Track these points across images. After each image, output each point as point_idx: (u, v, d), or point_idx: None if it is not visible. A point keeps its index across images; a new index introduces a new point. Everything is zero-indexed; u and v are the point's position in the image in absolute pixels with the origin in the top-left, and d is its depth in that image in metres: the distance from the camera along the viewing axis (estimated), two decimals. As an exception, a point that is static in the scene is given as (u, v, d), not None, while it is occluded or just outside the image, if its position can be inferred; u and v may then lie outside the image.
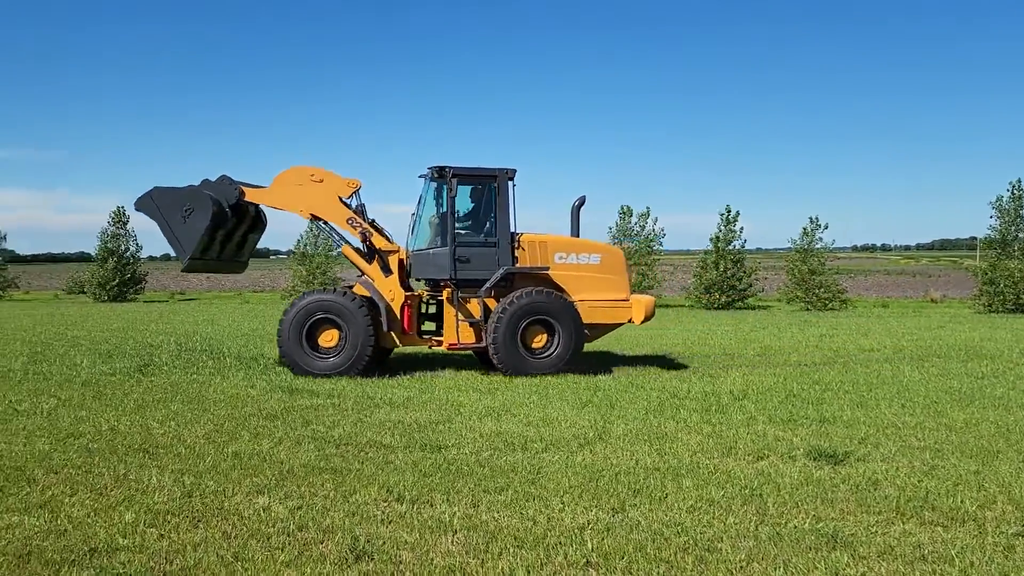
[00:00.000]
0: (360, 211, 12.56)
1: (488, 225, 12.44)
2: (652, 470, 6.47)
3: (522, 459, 6.80)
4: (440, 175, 12.16)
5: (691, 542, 4.84)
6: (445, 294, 12.22)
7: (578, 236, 13.01)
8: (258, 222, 13.58)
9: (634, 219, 35.66)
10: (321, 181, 12.51)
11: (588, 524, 5.14)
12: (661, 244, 35.86)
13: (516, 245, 12.30)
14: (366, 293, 12.07)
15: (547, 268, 12.28)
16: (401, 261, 12.50)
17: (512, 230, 12.29)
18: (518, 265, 12.23)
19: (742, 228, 34.35)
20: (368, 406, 9.23)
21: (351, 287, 12.58)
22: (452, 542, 4.80)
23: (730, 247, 34.25)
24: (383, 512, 5.34)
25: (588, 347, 12.72)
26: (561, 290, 12.24)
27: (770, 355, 15.05)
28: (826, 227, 35.05)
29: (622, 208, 35.84)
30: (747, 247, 35.59)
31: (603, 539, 4.87)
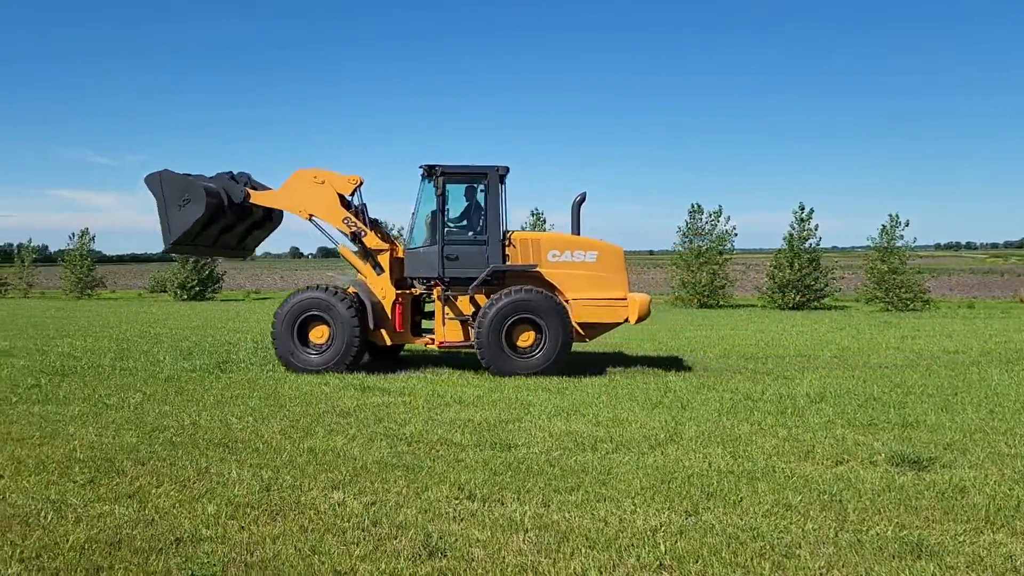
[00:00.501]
0: (361, 209, 12.74)
1: (478, 223, 12.38)
2: (726, 473, 6.36)
3: (592, 459, 6.76)
4: (430, 173, 12.20)
5: (768, 547, 4.74)
6: (436, 292, 12.33)
7: (578, 233, 12.78)
8: (267, 221, 13.89)
9: (705, 217, 35.10)
10: (323, 183, 12.70)
11: (661, 526, 5.08)
12: (733, 243, 35.18)
13: (507, 243, 12.24)
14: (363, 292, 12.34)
15: (535, 266, 12.14)
16: (400, 260, 12.62)
17: (503, 228, 12.23)
18: (509, 263, 12.15)
19: (817, 226, 33.48)
20: (438, 404, 9.32)
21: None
22: (524, 541, 4.80)
23: (805, 245, 33.38)
24: (455, 509, 5.38)
25: (654, 347, 12.63)
26: (554, 288, 12.12)
27: (848, 357, 14.62)
28: (907, 224, 33.86)
29: (692, 206, 35.34)
30: (822, 245, 34.63)
31: (676, 542, 4.80)
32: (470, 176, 12.39)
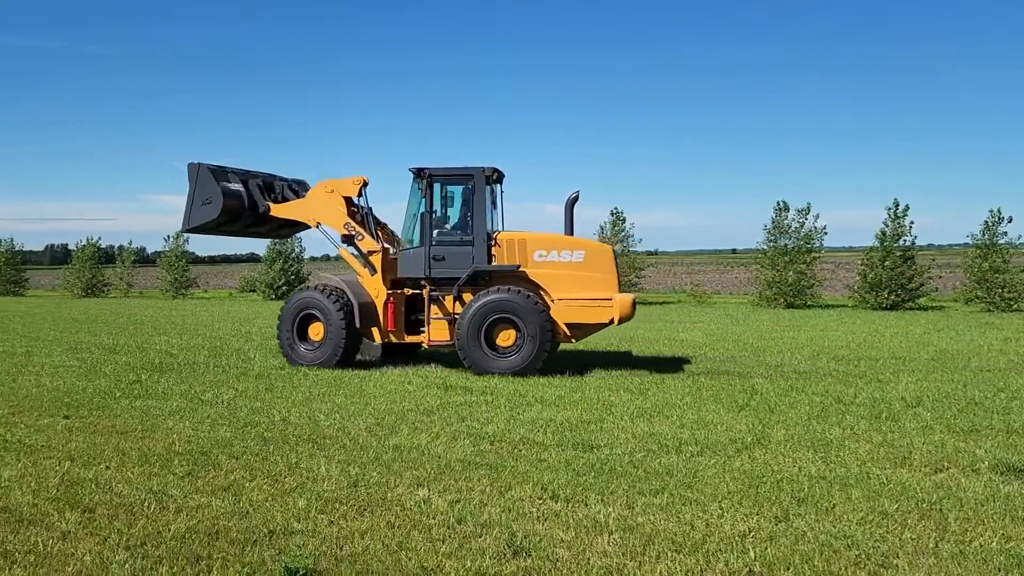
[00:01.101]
0: (367, 210, 13.17)
1: (465, 224, 12.49)
2: (817, 479, 6.16)
3: (677, 462, 6.66)
4: (419, 175, 12.41)
5: (863, 556, 4.57)
6: (424, 292, 12.52)
7: (571, 232, 12.70)
8: (296, 224, 14.35)
9: (791, 215, 34.09)
10: (331, 191, 13.26)
11: (750, 532, 4.96)
12: (822, 241, 34.05)
13: (493, 243, 12.24)
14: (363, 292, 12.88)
15: (518, 266, 12.12)
16: (394, 261, 12.87)
17: (489, 228, 12.30)
18: (495, 264, 12.18)
19: (912, 223, 32.06)
20: (520, 404, 9.34)
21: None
22: (608, 543, 4.77)
23: (899, 243, 32.05)
24: (538, 509, 5.38)
25: (738, 349, 12.33)
26: (539, 288, 12.05)
27: (946, 359, 13.97)
28: (1010, 220, 32.08)
29: (777, 204, 34.38)
30: (918, 243, 33.17)
31: (766, 548, 4.68)
32: (457, 178, 12.57)
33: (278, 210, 13.58)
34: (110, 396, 9.81)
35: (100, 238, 52.08)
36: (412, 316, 12.84)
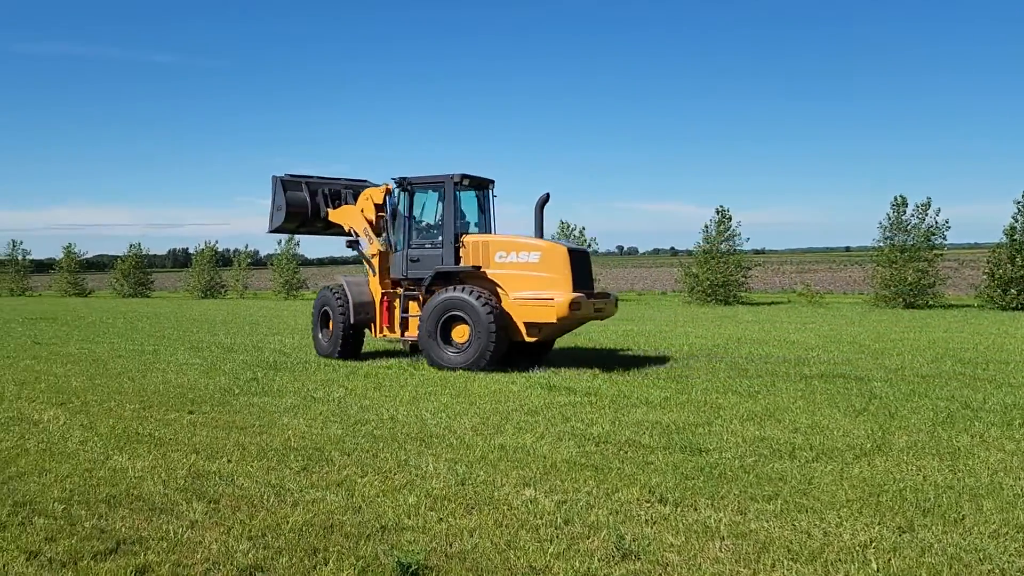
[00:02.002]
0: (389, 214, 14.19)
1: (437, 228, 13.34)
2: (944, 488, 5.83)
3: (790, 468, 6.44)
4: (399, 184, 13.51)
5: (997, 571, 4.29)
6: (398, 291, 13.72)
7: (541, 234, 13.17)
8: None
9: (910, 210, 32.44)
10: (368, 198, 14.53)
11: (871, 542, 4.74)
12: (944, 238, 32.24)
13: (461, 246, 12.93)
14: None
15: (477, 267, 12.70)
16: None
17: (457, 232, 12.98)
18: (461, 264, 12.84)
19: (1044, 217, 29.98)
20: (625, 405, 9.25)
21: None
22: (720, 549, 4.65)
23: (1030, 239, 30.02)
24: (646, 512, 5.31)
25: (854, 350, 11.81)
26: (497, 287, 12.58)
27: (1086, 363, 12.98)
28: None
29: (895, 199, 32.79)
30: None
31: (890, 559, 4.46)
32: (431, 185, 13.45)
33: (332, 215, 15.08)
34: (229, 393, 10.30)
35: (217, 242, 54.99)
36: (404, 314, 13.68)
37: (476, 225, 13.88)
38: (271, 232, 15.68)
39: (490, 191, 14.00)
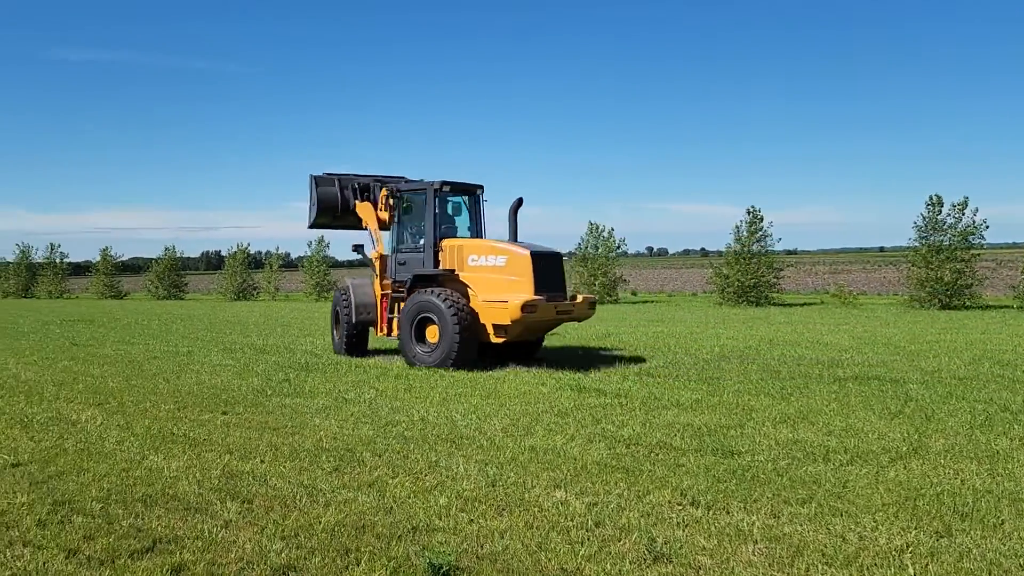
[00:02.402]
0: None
1: (420, 233, 14.10)
2: (983, 492, 5.72)
3: (825, 471, 6.36)
4: (390, 192, 14.62)
5: (1039, 579, 4.20)
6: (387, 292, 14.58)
7: (515, 238, 13.72)
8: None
9: (946, 210, 31.87)
10: (385, 196, 14.99)
11: (907, 547, 4.66)
12: (982, 237, 31.60)
13: (440, 250, 13.63)
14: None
15: (452, 271, 13.37)
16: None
17: (437, 236, 13.67)
18: (440, 268, 13.52)
19: (1086, 216, 29.34)
20: (655, 407, 9.19)
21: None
22: (753, 552, 4.60)
23: (1070, 239, 29.35)
24: (678, 515, 5.27)
25: (889, 352, 11.57)
26: (469, 289, 13.22)
27: None
28: None
29: (930, 198, 32.23)
30: (1092, 238, 30.23)
31: (927, 564, 4.39)
32: (416, 192, 14.23)
33: (357, 208, 15.52)
34: (262, 394, 10.41)
35: (249, 244, 55.53)
36: (390, 315, 14.38)
37: (469, 229, 14.56)
38: (310, 227, 16.35)
39: (479, 196, 14.60)
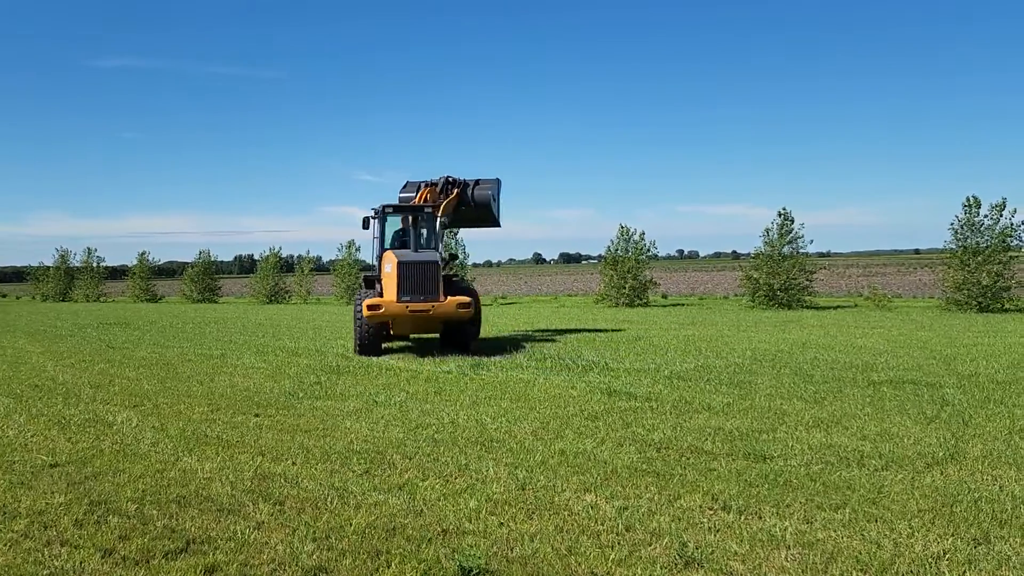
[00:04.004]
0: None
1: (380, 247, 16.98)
2: (1022, 499, 5.60)
3: (859, 476, 6.26)
4: (375, 211, 17.15)
5: (1082, 588, 4.10)
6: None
7: (415, 247, 16.58)
8: (482, 220, 19.73)
9: (984, 211, 31.26)
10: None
11: (944, 553, 4.58)
12: (1021, 239, 30.89)
13: (382, 259, 16.28)
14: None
15: (378, 276, 16.35)
16: None
17: (381, 249, 16.73)
18: (376, 274, 16.68)
19: None
20: (686, 411, 9.13)
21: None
22: (786, 558, 4.55)
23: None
24: (709, 520, 5.23)
25: (925, 355, 11.28)
26: (381, 293, 15.82)
27: None
28: None
29: (967, 200, 31.63)
30: None
31: (965, 571, 4.31)
32: (377, 213, 17.01)
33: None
34: (294, 396, 10.50)
35: (281, 248, 56.07)
36: None
37: (424, 243, 16.97)
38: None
39: (420, 216, 16.94)
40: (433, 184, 18.24)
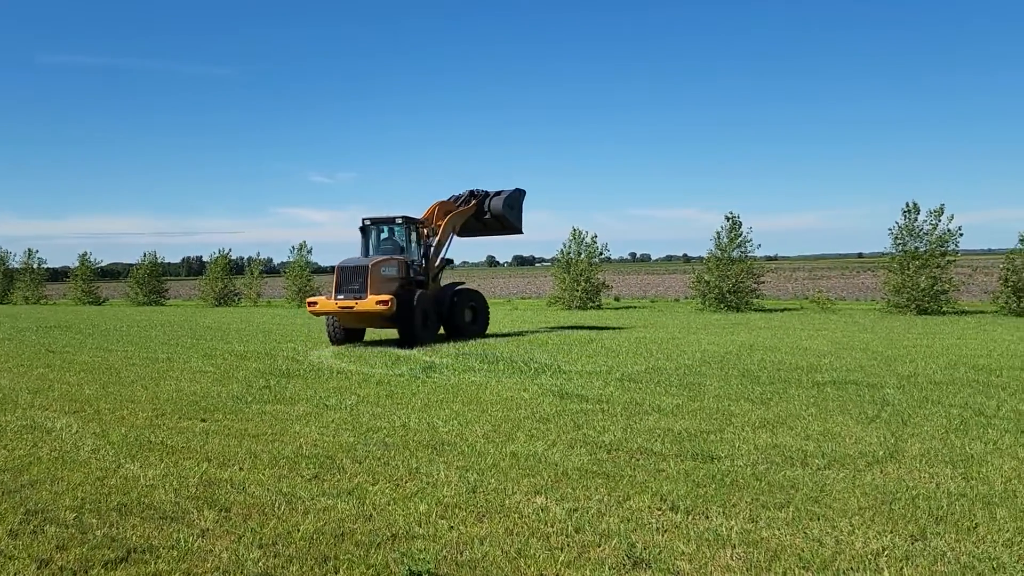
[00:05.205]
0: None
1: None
2: (957, 496, 5.78)
3: (802, 475, 6.40)
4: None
5: (1012, 581, 4.25)
6: None
7: (367, 254, 19.43)
8: (499, 227, 22.28)
9: (922, 216, 32.21)
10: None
11: (883, 550, 4.71)
12: (957, 244, 31.95)
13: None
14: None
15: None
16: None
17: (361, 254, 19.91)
18: None
19: (1060, 222, 29.70)
20: (637, 412, 9.22)
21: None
22: (731, 557, 4.63)
23: (1046, 244, 29.69)
24: (657, 520, 5.29)
25: (867, 357, 11.57)
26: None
27: (1102, 370, 12.83)
28: None
29: (907, 205, 32.55)
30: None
31: (902, 568, 4.43)
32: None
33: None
34: (242, 400, 10.34)
35: (231, 250, 55.12)
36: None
37: (398, 248, 19.64)
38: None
39: (399, 225, 19.84)
40: (457, 198, 21.51)
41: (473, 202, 21.28)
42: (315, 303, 18.58)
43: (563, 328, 24.00)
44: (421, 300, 18.45)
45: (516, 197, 21.86)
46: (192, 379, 12.54)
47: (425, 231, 20.04)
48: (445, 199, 21.21)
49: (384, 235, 19.94)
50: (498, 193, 21.58)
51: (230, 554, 4.72)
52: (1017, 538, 4.89)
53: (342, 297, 18.06)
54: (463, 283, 21.82)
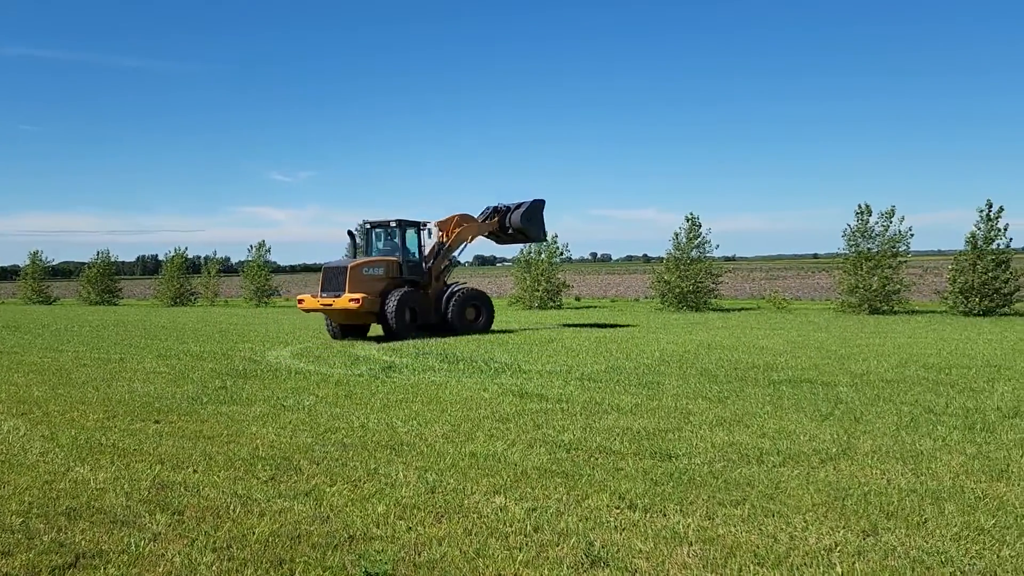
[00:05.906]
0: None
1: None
2: (907, 492, 5.91)
3: (758, 472, 6.49)
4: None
5: (959, 573, 4.36)
6: None
7: (353, 255, 21.40)
8: (518, 235, 24.27)
9: (874, 218, 32.92)
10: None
11: (836, 546, 4.79)
12: (908, 245, 32.74)
13: None
14: None
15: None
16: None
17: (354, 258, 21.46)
18: None
19: (1007, 226, 30.52)
20: (596, 411, 9.27)
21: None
22: (688, 554, 4.67)
23: (992, 246, 30.60)
24: (616, 519, 5.32)
25: (821, 356, 11.77)
26: None
27: (1045, 368, 13.23)
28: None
29: (859, 207, 33.24)
30: (1014, 246, 31.49)
31: (854, 563, 4.51)
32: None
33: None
34: (197, 402, 10.16)
35: (187, 249, 54.22)
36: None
37: (394, 250, 21.22)
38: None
39: (385, 230, 21.60)
40: (486, 211, 23.74)
41: (496, 218, 23.58)
42: (303, 300, 20.58)
43: (523, 328, 24.04)
44: (403, 298, 19.92)
45: (534, 209, 23.52)
46: (146, 380, 12.30)
47: (441, 235, 22.26)
48: (475, 214, 23.57)
49: (382, 237, 21.80)
50: (518, 206, 23.35)
51: (183, 558, 4.63)
52: (964, 532, 5.02)
53: (325, 295, 19.89)
54: (466, 283, 23.56)
